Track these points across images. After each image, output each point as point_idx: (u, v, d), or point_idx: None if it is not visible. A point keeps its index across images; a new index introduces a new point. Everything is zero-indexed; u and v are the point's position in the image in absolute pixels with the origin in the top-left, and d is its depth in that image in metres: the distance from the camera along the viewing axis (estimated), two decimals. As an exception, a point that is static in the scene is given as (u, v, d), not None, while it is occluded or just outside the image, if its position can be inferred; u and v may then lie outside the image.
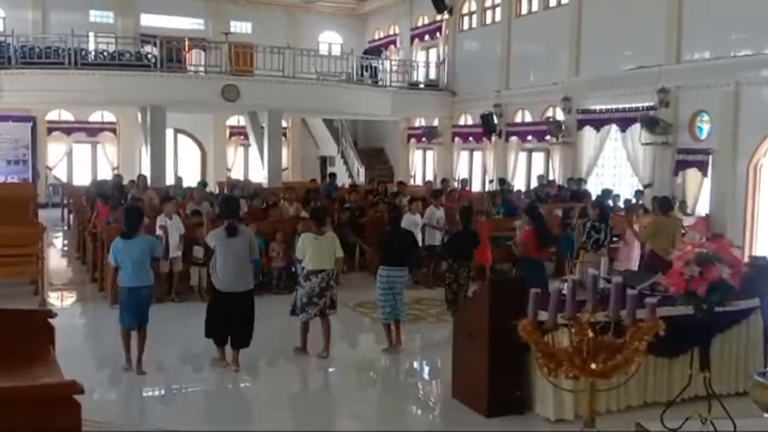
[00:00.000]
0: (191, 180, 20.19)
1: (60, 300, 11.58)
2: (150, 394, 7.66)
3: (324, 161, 28.96)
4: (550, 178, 19.57)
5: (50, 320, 5.38)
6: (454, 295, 9.47)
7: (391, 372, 8.72)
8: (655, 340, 4.33)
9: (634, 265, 11.60)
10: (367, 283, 12.05)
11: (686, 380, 5.81)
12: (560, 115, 19.16)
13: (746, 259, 9.95)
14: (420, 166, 27.41)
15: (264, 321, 8.48)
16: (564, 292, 4.51)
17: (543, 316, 4.49)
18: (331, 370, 8.45)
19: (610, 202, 16.17)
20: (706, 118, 14.98)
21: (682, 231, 11.25)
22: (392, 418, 7.16)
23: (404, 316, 9.05)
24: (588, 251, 10.48)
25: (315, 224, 8.57)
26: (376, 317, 9.44)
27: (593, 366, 4.07)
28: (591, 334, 4.13)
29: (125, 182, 17.49)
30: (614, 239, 12.87)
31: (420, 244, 12.66)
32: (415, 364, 8.96)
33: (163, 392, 7.74)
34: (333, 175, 20.76)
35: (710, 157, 14.59)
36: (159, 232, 10.82)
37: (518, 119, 21.58)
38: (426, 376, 8.75)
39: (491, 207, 14.97)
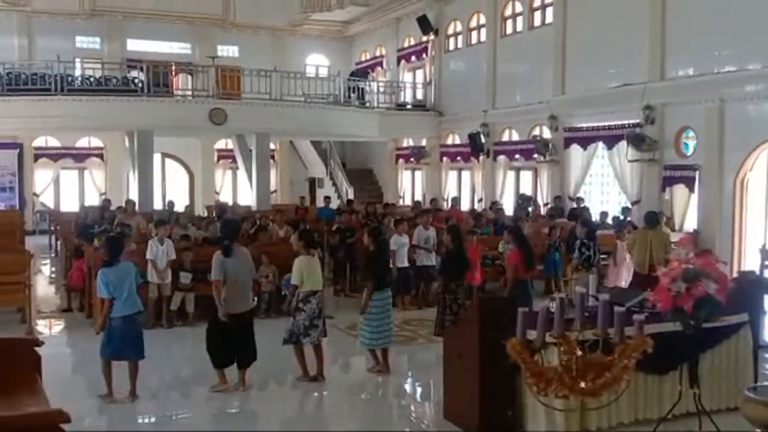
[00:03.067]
0: (180, 204, 20.13)
1: (47, 328, 11.49)
2: (140, 421, 7.58)
3: (312, 183, 28.97)
4: (538, 195, 19.63)
5: (37, 349, 5.32)
6: (455, 316, 9.10)
7: (383, 394, 8.68)
8: (644, 357, 4.32)
9: (624, 283, 11.63)
10: (357, 305, 12.03)
11: (677, 396, 5.82)
12: (547, 134, 19.27)
13: (735, 274, 10.02)
14: (409, 187, 27.45)
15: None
16: (552, 310, 4.50)
17: (532, 335, 4.49)
18: (324, 393, 8.39)
19: (598, 219, 16.31)
20: (691, 134, 15.08)
21: (672, 247, 11.29)
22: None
23: (389, 342, 8.94)
24: (580, 270, 10.52)
25: (306, 246, 8.51)
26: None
27: (582, 384, 4.06)
28: (579, 353, 4.12)
29: (112, 208, 17.41)
30: (603, 257, 12.95)
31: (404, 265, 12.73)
32: (407, 386, 8.92)
33: (153, 419, 7.67)
34: (328, 198, 20.79)
35: (697, 173, 14.67)
36: (149, 256, 10.82)
37: (505, 138, 21.67)
38: (418, 397, 8.71)
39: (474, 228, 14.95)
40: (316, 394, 8.36)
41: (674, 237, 13.09)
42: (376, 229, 9.69)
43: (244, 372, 8.07)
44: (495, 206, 18.25)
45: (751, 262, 13.10)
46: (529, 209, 17.96)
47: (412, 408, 8.25)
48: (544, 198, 19.33)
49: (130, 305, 7.58)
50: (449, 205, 20.88)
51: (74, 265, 12.55)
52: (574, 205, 17.33)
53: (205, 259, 11.72)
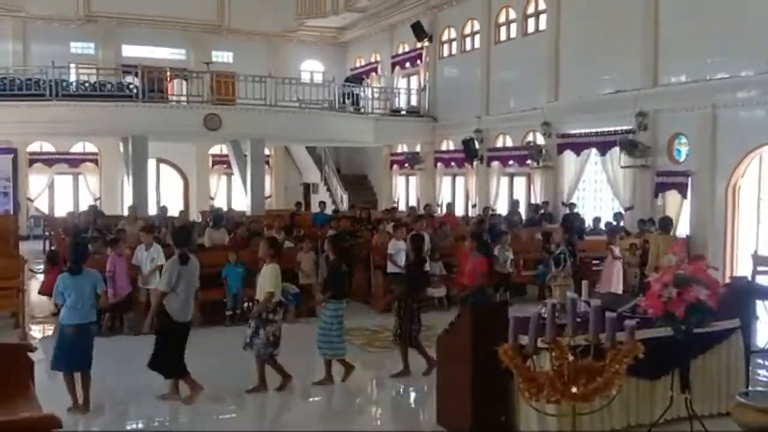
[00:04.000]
0: (174, 210, 20.11)
1: (41, 333, 11.46)
2: (132, 427, 7.58)
3: (307, 188, 28.99)
4: (531, 201, 19.68)
5: (30, 354, 5.33)
6: (417, 325, 8.84)
7: (377, 399, 8.71)
8: (635, 363, 4.35)
9: (616, 288, 11.68)
10: (351, 310, 12.03)
11: (668, 402, 5.85)
12: (540, 140, 19.33)
13: (727, 280, 10.06)
14: (403, 192, 27.49)
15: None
16: (544, 315, 4.53)
17: (524, 340, 4.51)
18: (317, 398, 8.41)
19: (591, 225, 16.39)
20: (684, 140, 15.16)
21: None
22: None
23: (344, 351, 8.74)
24: (559, 276, 10.59)
25: (274, 254, 8.35)
26: (359, 344, 9.43)
27: (574, 389, 4.09)
28: (571, 358, 4.15)
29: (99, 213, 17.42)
30: (595, 262, 13.01)
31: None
32: (400, 391, 8.91)
33: (144, 425, 7.66)
34: (322, 204, 20.81)
35: (689, 179, 14.73)
36: (134, 261, 10.89)
37: (499, 144, 21.73)
38: (411, 402, 8.72)
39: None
40: (309, 399, 8.37)
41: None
42: (336, 238, 9.68)
43: (176, 382, 7.93)
44: (487, 212, 18.30)
45: (743, 268, 13.17)
46: (542, 212, 17.98)
47: (406, 413, 8.27)
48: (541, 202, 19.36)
49: (83, 315, 7.35)
50: (444, 211, 20.91)
51: (49, 271, 12.53)
52: (567, 211, 17.37)
53: (204, 264, 11.82)
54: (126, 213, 17.66)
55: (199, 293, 8.11)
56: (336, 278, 8.69)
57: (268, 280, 8.08)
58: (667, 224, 11.68)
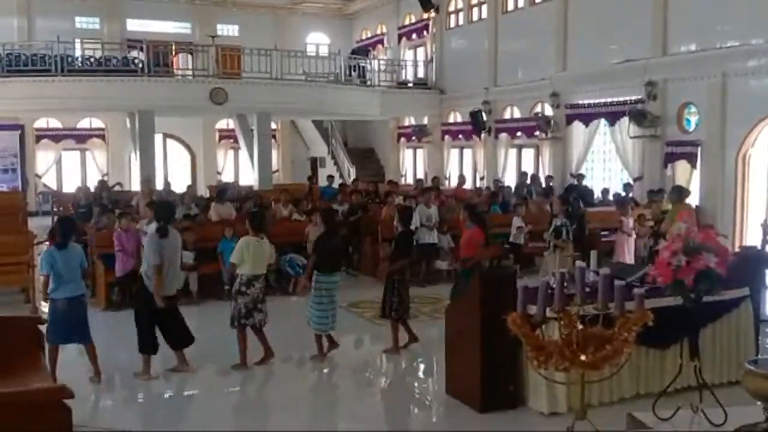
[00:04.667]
0: (181, 184, 20.13)
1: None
2: (142, 400, 7.64)
3: (314, 162, 28.96)
4: (540, 173, 19.58)
5: (40, 327, 5.36)
6: (399, 299, 8.66)
7: (386, 371, 8.74)
8: (645, 331, 4.33)
9: (629, 258, 11.65)
10: (360, 283, 12.09)
11: (677, 370, 5.83)
12: (549, 111, 19.20)
13: (736, 249, 10.02)
14: (410, 165, 27.43)
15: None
16: (553, 285, 4.51)
17: (533, 310, 4.50)
18: (327, 370, 8.45)
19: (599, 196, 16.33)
20: (693, 110, 15.03)
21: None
22: (387, 415, 7.20)
23: (333, 327, 8.62)
24: (548, 250, 10.60)
25: (252, 229, 8.34)
26: (368, 317, 9.47)
27: (583, 357, 4.08)
28: (580, 326, 4.13)
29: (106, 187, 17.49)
30: (605, 233, 12.97)
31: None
32: (410, 362, 8.94)
33: (154, 398, 7.72)
34: (331, 177, 20.81)
35: (699, 149, 14.62)
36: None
37: (507, 116, 21.61)
38: (420, 373, 8.76)
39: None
40: (318, 371, 8.42)
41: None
42: (328, 211, 9.65)
43: (182, 353, 7.99)
44: (497, 184, 18.23)
45: (752, 238, 13.10)
46: (532, 187, 17.92)
47: (415, 384, 8.31)
48: (545, 175, 19.27)
49: (73, 288, 7.49)
50: (454, 183, 20.86)
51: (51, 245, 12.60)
52: (575, 182, 17.29)
53: (208, 238, 11.88)
54: (137, 188, 17.77)
55: (183, 267, 8.08)
56: (321, 250, 8.62)
57: (235, 252, 8.18)
58: (682, 192, 11.50)
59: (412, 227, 9.74)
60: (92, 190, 18.13)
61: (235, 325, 8.14)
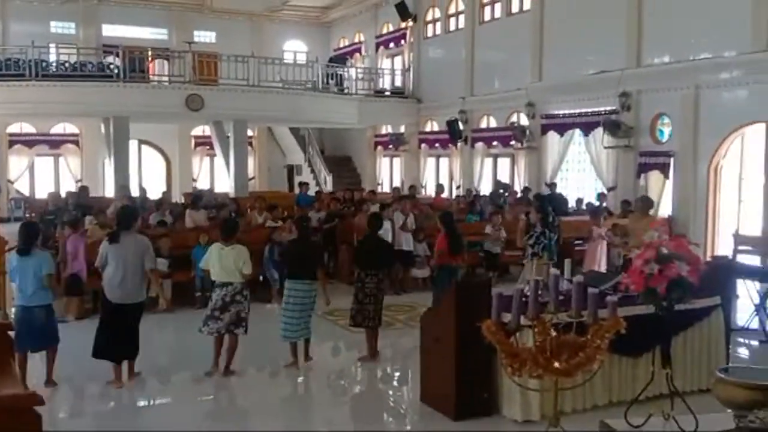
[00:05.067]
0: (156, 191, 20.00)
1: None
2: (111, 407, 7.56)
3: (291, 170, 28.90)
4: (516, 182, 19.70)
5: (10, 333, 5.29)
6: (359, 305, 8.62)
7: (360, 379, 8.73)
8: (617, 339, 4.37)
9: (600, 267, 11.74)
10: (337, 291, 12.04)
11: (649, 378, 5.89)
12: (524, 121, 19.34)
13: (708, 259, 10.14)
14: (387, 174, 27.47)
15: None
16: (527, 293, 4.54)
17: (508, 317, 4.52)
18: (301, 378, 8.42)
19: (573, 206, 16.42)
20: (666, 121, 15.21)
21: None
22: (361, 423, 7.17)
23: (296, 335, 8.42)
24: (540, 257, 10.59)
25: (221, 235, 8.34)
26: (344, 324, 9.46)
27: (556, 364, 4.10)
28: (554, 334, 4.16)
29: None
30: (578, 242, 13.06)
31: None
32: (385, 370, 8.93)
33: (120, 405, 7.64)
34: (305, 185, 20.75)
35: (671, 160, 14.80)
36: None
37: (483, 125, 21.74)
38: (395, 381, 8.75)
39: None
40: (292, 379, 8.38)
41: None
42: (301, 217, 9.65)
43: (120, 368, 7.77)
44: (471, 193, 18.32)
45: (724, 248, 13.26)
46: (506, 195, 18.04)
47: (390, 392, 8.30)
48: (521, 185, 19.40)
49: (28, 297, 7.35)
50: (431, 192, 20.92)
51: None
52: (548, 191, 17.40)
53: (183, 246, 11.81)
54: (112, 195, 17.63)
55: (137, 277, 7.73)
56: (287, 256, 8.68)
57: (204, 258, 8.24)
58: (648, 202, 11.54)
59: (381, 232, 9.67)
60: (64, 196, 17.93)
61: (201, 330, 8.09)
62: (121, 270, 7.60)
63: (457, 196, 20.04)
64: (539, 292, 4.56)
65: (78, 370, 8.01)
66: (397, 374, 8.84)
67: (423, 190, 22.85)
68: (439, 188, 20.48)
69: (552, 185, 17.65)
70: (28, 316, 7.35)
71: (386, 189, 25.33)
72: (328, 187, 24.87)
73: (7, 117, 22.97)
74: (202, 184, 26.40)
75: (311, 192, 19.69)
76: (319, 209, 15.41)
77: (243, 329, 8.07)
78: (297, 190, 20.49)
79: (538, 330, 4.20)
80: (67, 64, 20.64)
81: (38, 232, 8.01)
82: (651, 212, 11.81)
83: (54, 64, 20.62)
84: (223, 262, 8.03)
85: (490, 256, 13.58)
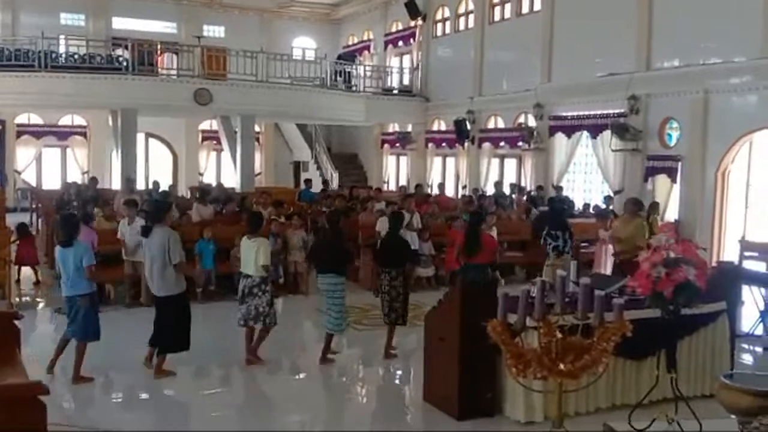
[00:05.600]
0: (163, 185, 20.00)
1: (29, 304, 11.42)
2: (115, 399, 7.59)
3: (297, 166, 28.89)
4: (522, 183, 19.67)
5: (16, 322, 5.30)
6: (389, 305, 8.75)
7: (364, 376, 8.73)
8: (623, 343, 4.37)
9: (605, 270, 11.71)
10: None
11: (653, 382, 5.88)
12: (532, 122, 19.30)
13: (714, 265, 10.12)
14: (393, 172, 27.46)
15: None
16: (533, 294, 4.53)
17: (513, 318, 4.52)
18: (302, 376, 8.42)
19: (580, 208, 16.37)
20: (675, 125, 15.17)
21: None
22: (364, 421, 7.16)
23: (335, 327, 8.60)
24: (549, 257, 10.54)
25: (247, 229, 8.65)
26: (349, 322, 9.47)
27: (561, 366, 4.10)
28: (559, 335, 4.16)
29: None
30: (584, 244, 13.03)
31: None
32: (389, 369, 8.92)
33: (127, 397, 7.67)
34: (309, 181, 20.81)
35: (679, 164, 14.76)
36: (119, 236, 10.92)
37: (491, 125, 21.71)
38: (398, 380, 8.74)
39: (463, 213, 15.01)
40: (294, 377, 8.38)
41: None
42: (333, 213, 9.69)
43: (157, 355, 7.95)
44: (477, 193, 18.29)
45: (730, 254, 13.23)
46: (513, 196, 18.01)
47: (393, 390, 8.30)
48: (528, 186, 19.38)
49: (68, 287, 7.56)
50: (434, 191, 20.89)
51: (20, 242, 12.54)
52: (554, 194, 17.37)
53: (190, 240, 11.82)
54: (118, 187, 17.69)
55: (162, 269, 7.77)
56: (318, 252, 8.84)
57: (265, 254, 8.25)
58: (636, 207, 11.39)
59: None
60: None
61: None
62: (148, 262, 7.86)
63: (462, 196, 20.02)
64: (545, 293, 4.56)
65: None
66: (400, 373, 8.83)
67: (429, 189, 22.82)
68: (440, 187, 20.41)
69: (558, 188, 17.60)
70: (70, 305, 7.60)
71: (392, 187, 25.34)
72: (334, 184, 24.85)
73: (16, 107, 23.02)
74: (209, 179, 26.41)
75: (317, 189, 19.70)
76: (330, 206, 15.40)
77: (260, 323, 8.28)
78: (303, 187, 20.58)
79: (544, 331, 4.20)
80: (76, 56, 20.66)
81: (78, 223, 8.15)
82: (642, 214, 11.63)
83: (63, 56, 20.62)
84: (246, 255, 8.31)
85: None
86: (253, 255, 8.20)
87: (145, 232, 7.98)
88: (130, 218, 11.27)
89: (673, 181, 14.93)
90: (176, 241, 7.86)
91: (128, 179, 17.45)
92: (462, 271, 9.84)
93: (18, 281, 12.40)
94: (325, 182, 21.71)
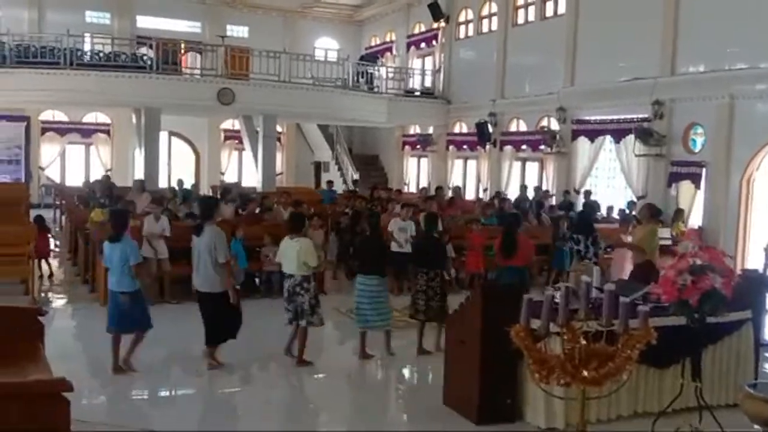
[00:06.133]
0: (186, 183, 20.13)
1: (51, 300, 11.53)
2: (139, 396, 7.62)
3: (318, 167, 28.96)
4: (544, 187, 19.55)
5: (40, 318, 5.34)
6: (425, 304, 8.90)
7: (381, 378, 8.71)
8: (646, 350, 4.32)
9: (626, 275, 11.60)
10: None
11: (677, 391, 5.82)
12: (555, 125, 19.20)
13: (738, 272, 10.00)
14: (414, 174, 27.43)
15: (253, 324, 8.48)
16: (557, 300, 4.50)
17: (535, 324, 4.49)
18: (321, 376, 8.42)
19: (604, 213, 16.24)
20: (700, 130, 15.03)
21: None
22: (382, 424, 7.14)
23: (377, 325, 8.79)
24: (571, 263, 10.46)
25: (289, 228, 8.69)
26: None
27: (585, 373, 4.06)
28: (583, 342, 4.12)
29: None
30: (607, 250, 12.93)
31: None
32: (406, 371, 8.92)
33: (151, 394, 7.71)
34: (331, 182, 20.85)
35: (704, 170, 14.62)
36: (144, 232, 10.97)
37: (513, 128, 21.62)
38: (416, 382, 8.72)
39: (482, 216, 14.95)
40: (314, 376, 8.38)
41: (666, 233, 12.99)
42: (372, 215, 9.70)
43: (210, 349, 8.13)
44: (499, 196, 18.19)
45: (754, 261, 13.07)
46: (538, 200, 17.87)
47: (411, 393, 8.28)
48: (550, 190, 19.26)
49: (114, 282, 7.71)
50: (450, 194, 20.82)
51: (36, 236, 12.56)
52: (583, 199, 17.20)
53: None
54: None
55: (210, 266, 7.92)
56: (361, 253, 8.94)
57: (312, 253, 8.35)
58: (649, 212, 11.29)
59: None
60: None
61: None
62: (195, 259, 8.02)
63: (478, 199, 19.91)
64: (569, 298, 4.52)
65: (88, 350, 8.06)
66: (419, 375, 8.81)
67: (449, 192, 22.76)
68: (456, 191, 20.20)
69: (587, 192, 17.32)
70: (114, 300, 7.72)
71: (413, 189, 25.31)
72: (353, 185, 24.85)
73: (41, 104, 23.26)
74: (230, 178, 26.53)
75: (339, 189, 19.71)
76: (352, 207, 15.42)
77: (305, 321, 8.32)
78: (325, 187, 20.61)
79: (568, 337, 4.17)
80: (101, 54, 20.84)
81: (128, 220, 8.31)
82: (659, 220, 11.49)
83: (88, 54, 20.82)
84: (287, 254, 8.36)
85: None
86: (295, 254, 8.28)
87: (197, 231, 8.08)
88: (156, 216, 11.34)
89: (697, 187, 14.79)
90: (222, 241, 8.02)
91: (138, 180, 17.38)
92: (497, 274, 9.84)
93: (41, 277, 12.52)
94: (354, 182, 21.69)
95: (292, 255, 8.28)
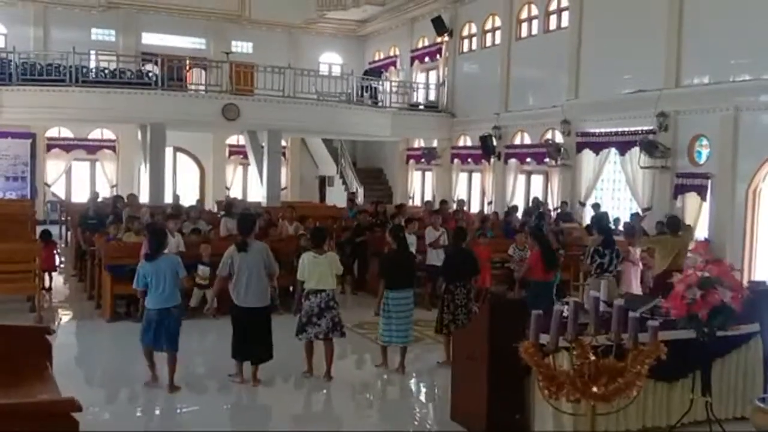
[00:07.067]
0: (190, 198, 20.17)
1: (57, 317, 11.52)
2: (147, 412, 7.60)
3: (323, 181, 29.00)
4: (549, 200, 19.53)
5: (47, 337, 5.34)
6: (452, 316, 9.05)
7: (389, 393, 8.68)
8: (656, 365, 4.30)
9: (635, 289, 11.57)
10: (366, 303, 12.01)
11: (686, 405, 5.80)
12: (559, 138, 19.19)
13: (745, 284, 9.97)
14: (419, 188, 27.43)
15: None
16: (565, 314, 4.49)
17: (544, 339, 4.47)
18: (329, 390, 8.39)
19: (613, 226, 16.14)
20: (705, 142, 15.01)
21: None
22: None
23: (402, 341, 8.89)
24: (592, 276, 10.39)
25: (313, 244, 8.70)
26: (374, 338, 9.46)
27: (595, 389, 4.05)
28: (593, 357, 4.10)
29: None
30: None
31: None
32: (414, 386, 8.89)
33: (161, 411, 7.69)
34: (353, 194, 20.81)
35: (709, 182, 14.59)
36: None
37: (517, 141, 21.62)
38: (424, 397, 8.69)
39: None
40: (322, 391, 8.36)
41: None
42: (397, 228, 9.72)
43: (256, 369, 8.15)
44: (510, 211, 18.12)
45: (762, 273, 13.04)
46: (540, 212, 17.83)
47: (418, 408, 8.24)
48: (554, 203, 19.25)
49: (165, 299, 7.73)
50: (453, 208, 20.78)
51: (42, 248, 12.55)
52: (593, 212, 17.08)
53: (221, 253, 11.84)
54: (146, 201, 17.82)
55: (264, 281, 8.11)
56: (390, 268, 8.89)
57: (299, 269, 8.41)
58: (676, 225, 11.49)
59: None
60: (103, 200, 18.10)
61: (297, 335, 8.45)
62: (245, 276, 7.97)
63: (479, 212, 19.84)
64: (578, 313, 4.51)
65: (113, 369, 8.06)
66: (426, 390, 8.79)
67: (454, 205, 22.74)
68: (460, 203, 20.16)
69: (596, 205, 17.21)
70: (165, 316, 7.72)
71: (417, 202, 25.31)
72: (359, 199, 24.84)
73: (47, 121, 23.33)
74: (235, 193, 26.57)
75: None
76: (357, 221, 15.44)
77: (339, 333, 8.44)
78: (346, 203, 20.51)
79: (578, 353, 4.15)
80: (106, 71, 20.95)
81: (165, 238, 8.40)
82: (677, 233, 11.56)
83: (94, 71, 20.93)
84: (319, 271, 8.32)
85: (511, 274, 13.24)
86: (328, 270, 8.34)
87: (243, 247, 8.05)
88: (171, 231, 11.34)
89: (703, 199, 14.75)
90: (270, 254, 8.22)
91: (131, 194, 17.22)
92: (533, 289, 9.88)
93: (43, 289, 12.48)
94: (352, 194, 21.68)
95: (327, 271, 8.34)
